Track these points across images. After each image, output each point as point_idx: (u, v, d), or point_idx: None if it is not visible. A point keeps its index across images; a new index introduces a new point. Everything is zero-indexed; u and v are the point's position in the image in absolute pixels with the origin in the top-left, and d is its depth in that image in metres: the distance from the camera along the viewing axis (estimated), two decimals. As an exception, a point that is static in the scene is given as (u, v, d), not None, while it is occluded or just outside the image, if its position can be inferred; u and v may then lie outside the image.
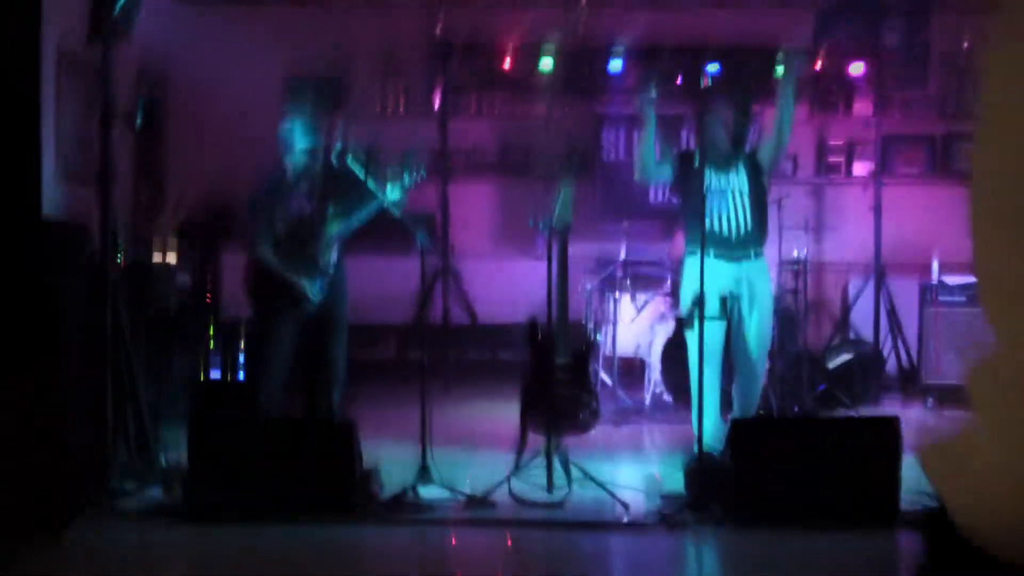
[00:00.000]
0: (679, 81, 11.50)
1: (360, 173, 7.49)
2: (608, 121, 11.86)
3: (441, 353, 10.86)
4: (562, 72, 11.62)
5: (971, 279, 10.10)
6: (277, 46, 11.31)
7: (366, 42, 11.86)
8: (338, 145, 7.61)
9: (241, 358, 9.48)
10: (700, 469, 6.62)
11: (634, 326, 10.07)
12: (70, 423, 6.50)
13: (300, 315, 7.57)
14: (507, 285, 11.48)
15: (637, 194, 11.71)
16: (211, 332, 9.47)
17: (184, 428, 7.48)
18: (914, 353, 10.71)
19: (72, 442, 6.54)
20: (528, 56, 11.72)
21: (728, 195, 7.92)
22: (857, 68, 11.36)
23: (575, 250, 10.89)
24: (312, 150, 7.55)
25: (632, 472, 7.72)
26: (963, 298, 10.07)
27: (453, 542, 6.39)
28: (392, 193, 7.52)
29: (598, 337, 10.13)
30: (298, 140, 7.53)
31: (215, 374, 9.66)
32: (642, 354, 10.02)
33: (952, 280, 10.21)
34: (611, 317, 10.05)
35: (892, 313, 11.03)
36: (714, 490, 6.53)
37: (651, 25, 11.70)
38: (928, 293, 10.21)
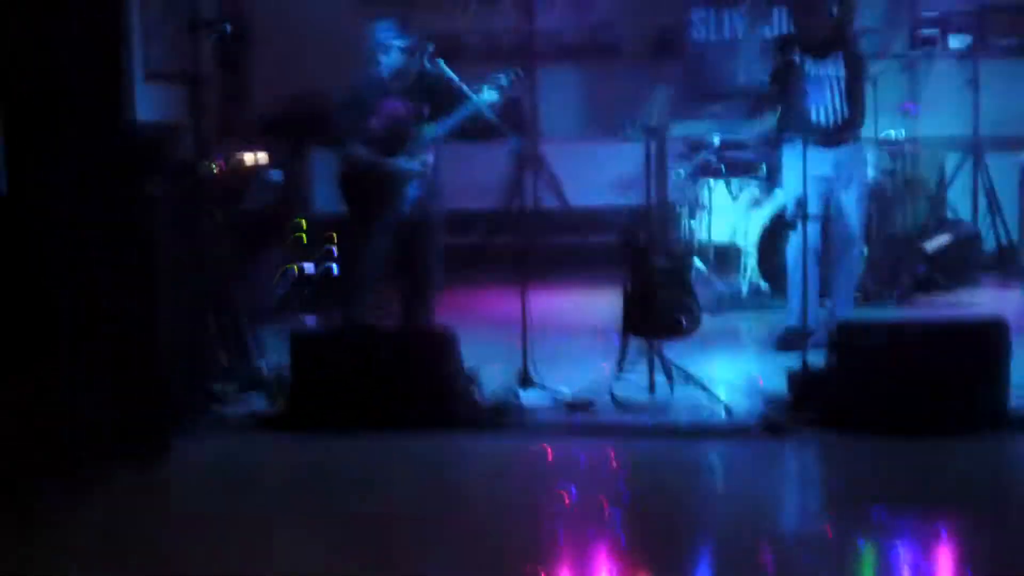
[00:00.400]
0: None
1: (453, 75, 7.39)
2: (696, 2, 11.57)
3: (532, 240, 10.77)
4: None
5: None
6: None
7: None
8: (430, 46, 7.44)
9: (335, 253, 9.45)
10: (803, 375, 6.54)
11: (729, 212, 9.93)
12: (168, 331, 6.50)
13: (395, 216, 7.52)
14: (595, 168, 11.37)
15: (725, 74, 11.49)
16: (304, 228, 9.44)
17: (280, 330, 7.56)
18: (1014, 234, 10.52)
19: (171, 349, 6.56)
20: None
21: (825, 83, 8.00)
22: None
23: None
24: (407, 49, 7.43)
25: (732, 368, 7.68)
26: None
27: (555, 451, 6.36)
28: (488, 95, 7.42)
29: (692, 223, 10.02)
30: (393, 38, 7.42)
31: (309, 268, 9.66)
32: (737, 240, 9.88)
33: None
34: (705, 203, 9.90)
35: (991, 192, 10.80)
36: (817, 394, 6.45)
37: None
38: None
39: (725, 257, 10.07)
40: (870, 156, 9.39)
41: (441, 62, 7.42)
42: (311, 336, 6.96)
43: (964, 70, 11.15)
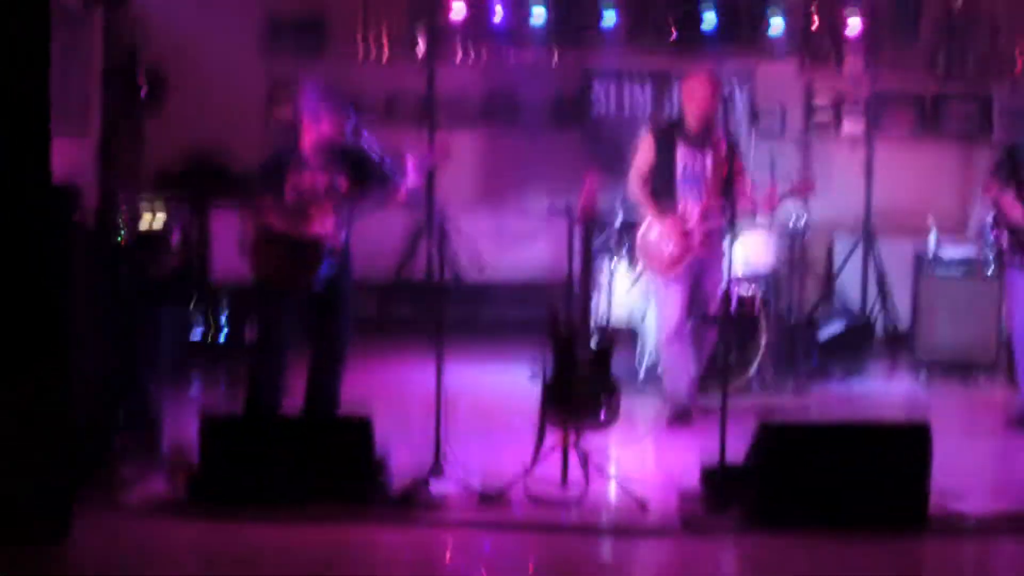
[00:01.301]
0: (673, 35, 11.30)
1: (375, 151, 7.28)
2: (599, 75, 11.57)
3: (426, 311, 10.68)
4: (553, 23, 11.32)
5: (968, 250, 10.04)
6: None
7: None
8: (353, 120, 7.32)
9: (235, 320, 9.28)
10: (720, 472, 6.51)
11: (627, 294, 9.90)
12: (78, 404, 6.29)
13: (305, 289, 7.36)
14: (495, 239, 11.33)
15: (627, 150, 11.48)
16: (201, 295, 9.24)
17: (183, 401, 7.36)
18: (903, 321, 10.67)
19: (79, 425, 6.35)
20: (519, 5, 11.42)
21: (700, 173, 8.34)
22: (854, 25, 11.12)
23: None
24: (334, 122, 7.30)
25: (645, 458, 7.66)
26: (960, 271, 9.99)
27: (464, 546, 6.24)
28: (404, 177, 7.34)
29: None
30: (321, 111, 7.28)
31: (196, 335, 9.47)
32: (634, 324, 9.84)
33: (949, 252, 10.12)
34: (605, 283, 9.86)
35: (881, 278, 10.95)
36: (736, 492, 6.43)
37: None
38: (924, 264, 10.11)
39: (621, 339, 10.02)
40: (770, 242, 9.51)
41: (365, 135, 7.30)
42: (220, 420, 6.75)
43: (856, 154, 11.32)
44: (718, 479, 6.52)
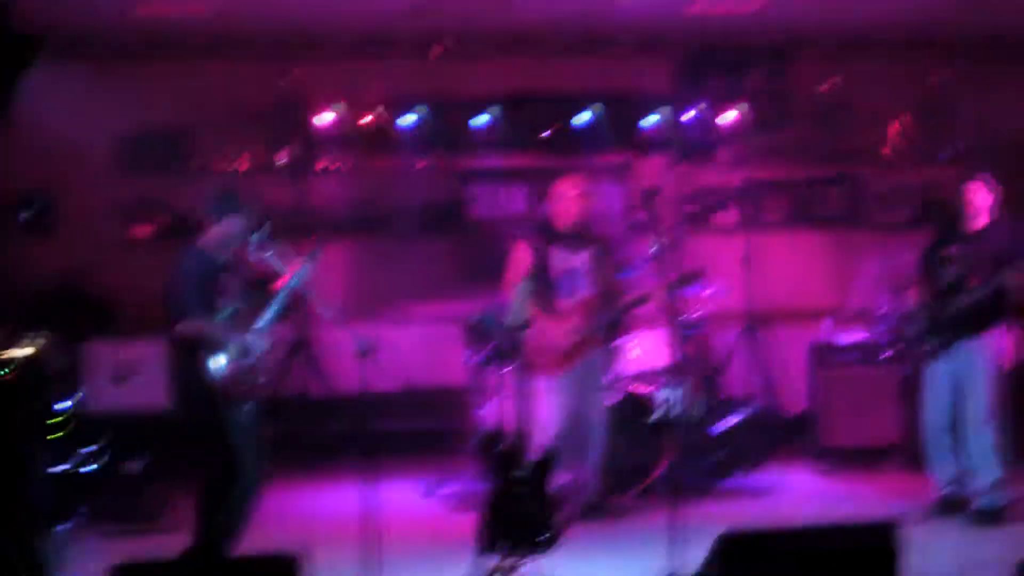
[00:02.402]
0: (548, 132, 11.14)
1: (276, 263, 6.93)
2: (473, 177, 11.33)
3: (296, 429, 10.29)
4: (426, 127, 11.05)
5: (863, 336, 9.96)
6: (120, 103, 10.60)
7: (213, 97, 11.07)
8: (255, 235, 6.96)
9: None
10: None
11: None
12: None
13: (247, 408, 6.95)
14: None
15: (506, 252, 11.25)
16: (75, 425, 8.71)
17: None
18: (795, 410, 10.56)
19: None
20: (388, 110, 11.12)
21: (570, 272, 8.42)
22: (729, 116, 11.07)
23: (445, 312, 10.56)
24: (251, 241, 6.93)
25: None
26: (857, 357, 9.91)
27: None
28: (303, 274, 7.01)
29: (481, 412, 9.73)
30: (242, 232, 6.91)
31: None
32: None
33: (844, 339, 10.05)
34: (501, 391, 9.55)
35: (765, 369, 10.83)
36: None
37: (517, 75, 11.28)
38: (820, 352, 10.00)
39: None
40: (666, 338, 9.32)
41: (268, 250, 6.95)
42: (136, 568, 6.22)
43: (733, 246, 11.22)
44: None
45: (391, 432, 10.63)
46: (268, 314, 6.97)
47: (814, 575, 5.99)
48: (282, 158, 11.24)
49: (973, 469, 8.25)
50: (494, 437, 6.87)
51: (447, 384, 11.05)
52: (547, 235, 8.45)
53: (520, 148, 11.31)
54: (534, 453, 6.90)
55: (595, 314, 8.29)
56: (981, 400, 8.17)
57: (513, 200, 11.35)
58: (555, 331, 8.15)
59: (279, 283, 7.03)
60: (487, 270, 11.16)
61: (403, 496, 9.51)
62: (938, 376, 8.35)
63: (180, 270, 6.90)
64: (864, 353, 9.96)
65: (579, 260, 8.36)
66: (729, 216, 11.70)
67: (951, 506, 8.34)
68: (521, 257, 8.38)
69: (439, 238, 11.22)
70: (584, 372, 8.33)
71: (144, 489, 8.74)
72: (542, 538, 6.68)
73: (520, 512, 6.64)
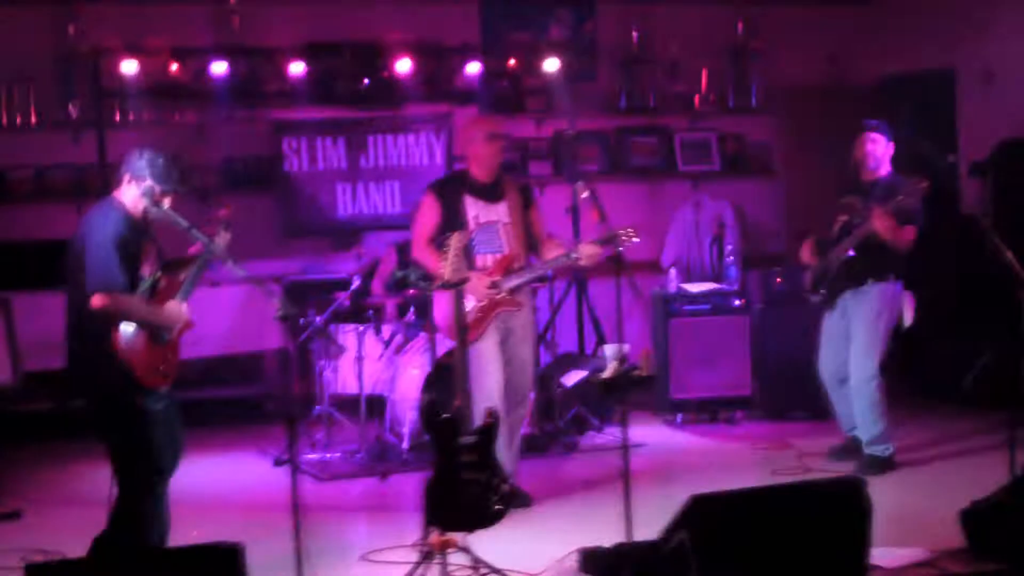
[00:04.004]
0: (365, 82, 10.62)
1: (182, 223, 6.17)
2: (287, 131, 10.70)
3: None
4: (234, 78, 10.34)
5: (710, 285, 9.91)
6: None
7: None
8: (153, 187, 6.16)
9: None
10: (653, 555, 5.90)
11: (377, 362, 9.19)
12: None
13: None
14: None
15: (325, 207, 10.73)
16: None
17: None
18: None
19: None
20: (192, 60, 10.36)
21: (489, 225, 7.66)
22: (552, 65, 10.78)
23: (261, 271, 9.96)
24: (165, 195, 6.15)
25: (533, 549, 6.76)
26: (707, 306, 9.83)
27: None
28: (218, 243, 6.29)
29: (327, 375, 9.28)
30: (160, 181, 6.11)
31: None
32: (381, 391, 9.12)
33: (693, 288, 9.96)
34: (350, 353, 9.11)
35: (596, 322, 10.65)
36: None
37: (324, 23, 10.72)
38: (666, 302, 9.87)
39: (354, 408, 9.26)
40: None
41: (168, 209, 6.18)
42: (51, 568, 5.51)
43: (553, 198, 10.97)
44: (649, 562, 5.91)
45: (206, 400, 10.05)
46: (186, 285, 6.24)
47: (788, 535, 5.82)
48: (73, 112, 10.34)
49: (858, 421, 8.26)
50: (434, 405, 6.37)
51: (265, 348, 10.53)
52: (458, 186, 7.67)
53: (332, 99, 10.73)
54: (475, 420, 6.41)
55: (521, 270, 7.59)
56: (859, 354, 8.14)
57: (329, 153, 10.76)
58: (474, 289, 7.28)
59: (192, 249, 6.31)
60: (305, 227, 10.74)
61: (252, 468, 8.96)
62: (830, 327, 8.32)
63: (99, 231, 6.05)
64: (715, 302, 9.86)
65: (499, 211, 7.67)
66: (540, 167, 11.43)
67: (850, 451, 8.34)
68: (429, 210, 7.60)
69: (253, 194, 10.48)
70: (512, 332, 7.62)
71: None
72: (495, 508, 6.27)
73: (468, 483, 6.20)
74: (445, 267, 6.38)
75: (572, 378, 9.69)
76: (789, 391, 9.68)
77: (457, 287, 6.44)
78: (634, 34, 11.61)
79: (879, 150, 8.16)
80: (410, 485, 8.08)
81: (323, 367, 9.36)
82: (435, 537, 6.16)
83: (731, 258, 10.72)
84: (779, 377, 9.76)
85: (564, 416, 9.44)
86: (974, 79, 11.00)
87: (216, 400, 10.27)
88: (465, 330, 6.60)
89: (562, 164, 11.34)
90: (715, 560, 5.73)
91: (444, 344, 8.29)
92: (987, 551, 6.25)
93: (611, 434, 9.39)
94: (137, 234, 6.00)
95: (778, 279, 9.91)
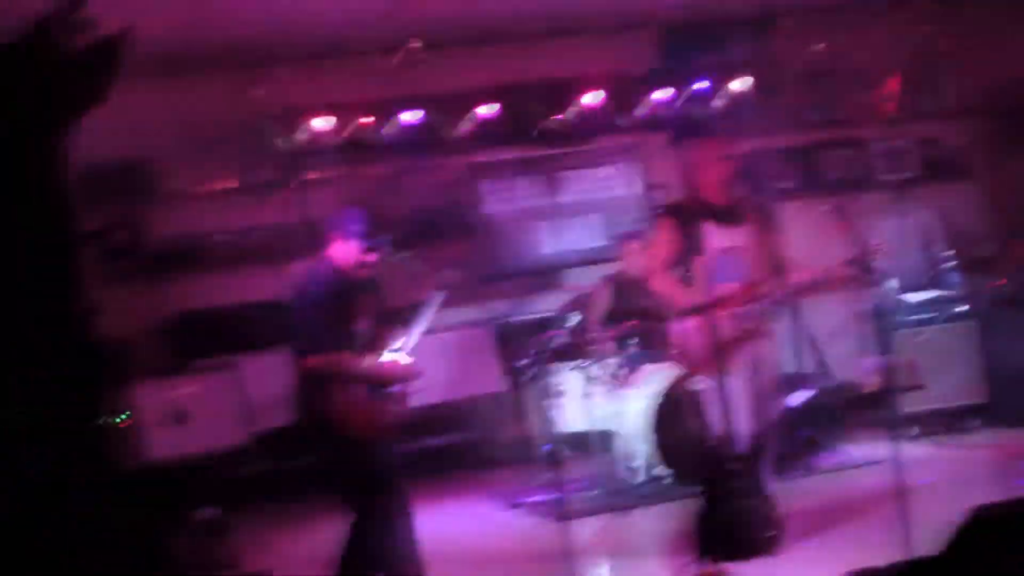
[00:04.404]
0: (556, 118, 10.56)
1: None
2: (481, 173, 10.65)
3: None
4: (425, 125, 10.32)
5: (931, 293, 9.62)
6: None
7: (177, 118, 10.14)
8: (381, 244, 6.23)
9: None
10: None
11: (584, 400, 9.04)
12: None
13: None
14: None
15: (526, 246, 10.65)
16: None
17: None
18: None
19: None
20: (379, 113, 10.36)
21: (729, 251, 7.17)
22: (742, 83, 10.61)
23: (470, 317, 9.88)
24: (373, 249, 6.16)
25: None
26: (931, 314, 9.52)
27: None
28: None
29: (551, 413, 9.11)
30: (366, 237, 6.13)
31: None
32: (609, 426, 8.95)
33: (913, 297, 9.67)
34: (574, 391, 8.99)
35: (812, 341, 10.40)
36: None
37: (508, 63, 10.66)
38: (889, 315, 9.56)
39: (587, 445, 9.13)
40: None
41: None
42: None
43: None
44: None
45: (427, 449, 9.98)
46: (413, 332, 6.21)
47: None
48: (265, 173, 10.38)
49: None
50: (700, 438, 6.20)
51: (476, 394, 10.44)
52: (695, 209, 7.13)
53: (524, 139, 10.64)
54: (740, 449, 6.21)
55: (762, 298, 7.03)
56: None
57: (522, 193, 10.68)
58: (712, 320, 6.75)
59: (418, 294, 6.26)
60: (508, 268, 10.63)
61: (486, 513, 8.84)
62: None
63: (305, 293, 6.08)
64: (937, 310, 9.55)
65: (738, 236, 7.10)
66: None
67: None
68: (667, 237, 7.14)
69: (451, 240, 10.42)
70: (761, 361, 7.10)
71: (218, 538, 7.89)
72: (769, 535, 6.06)
73: (739, 511, 6.00)
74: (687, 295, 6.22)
75: (798, 398, 9.42)
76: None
77: (707, 312, 6.26)
78: (820, 46, 11.33)
79: None
80: (650, 519, 7.90)
81: (548, 406, 9.21)
82: (709, 568, 5.98)
83: (948, 264, 10.36)
84: (1015, 382, 9.33)
85: (794, 437, 9.16)
86: None
87: (437, 448, 10.16)
88: (722, 358, 6.38)
89: (758, 184, 11.10)
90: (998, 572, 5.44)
91: (667, 375, 8.15)
92: None
93: (844, 453, 9.11)
94: (348, 290, 5.97)
95: (1003, 280, 9.55)
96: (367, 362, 5.99)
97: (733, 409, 6.69)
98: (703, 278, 6.91)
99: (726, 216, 7.14)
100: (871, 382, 8.48)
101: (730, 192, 7.27)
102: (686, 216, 7.13)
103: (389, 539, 6.06)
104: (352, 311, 6.02)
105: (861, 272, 6.79)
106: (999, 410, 9.43)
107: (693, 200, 7.26)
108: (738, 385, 6.94)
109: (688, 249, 7.01)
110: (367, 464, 6.00)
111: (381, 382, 6.08)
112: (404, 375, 6.18)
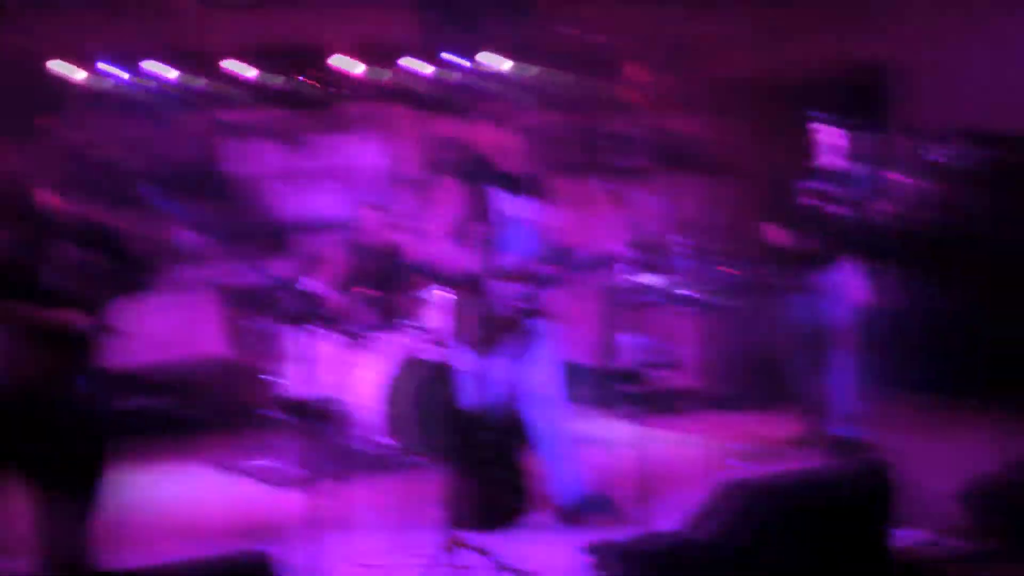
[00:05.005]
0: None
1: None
2: (230, 130, 10.51)
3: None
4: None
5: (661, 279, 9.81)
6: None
7: None
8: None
9: None
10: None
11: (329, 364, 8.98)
12: None
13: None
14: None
15: (267, 209, 10.55)
16: None
17: None
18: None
19: None
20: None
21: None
22: (499, 60, 10.68)
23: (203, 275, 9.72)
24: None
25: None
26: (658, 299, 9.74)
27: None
28: None
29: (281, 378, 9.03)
30: None
31: None
32: (336, 394, 8.91)
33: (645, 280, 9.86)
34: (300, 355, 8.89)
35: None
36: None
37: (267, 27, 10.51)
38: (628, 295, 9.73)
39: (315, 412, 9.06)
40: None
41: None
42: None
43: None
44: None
45: (144, 410, 9.71)
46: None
47: (819, 518, 5.77)
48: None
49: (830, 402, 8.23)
50: (452, 400, 6.23)
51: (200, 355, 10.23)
52: (479, 174, 6.74)
53: (265, 102, 10.53)
54: (492, 422, 6.24)
55: (545, 276, 6.75)
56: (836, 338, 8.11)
57: (267, 156, 10.59)
58: (499, 294, 6.57)
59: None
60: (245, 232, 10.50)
61: (202, 478, 8.70)
62: (796, 311, 8.29)
63: None
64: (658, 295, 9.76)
65: (526, 207, 6.77)
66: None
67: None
68: (451, 198, 6.87)
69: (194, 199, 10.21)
70: (526, 346, 6.82)
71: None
72: (518, 506, 6.12)
73: (493, 481, 6.04)
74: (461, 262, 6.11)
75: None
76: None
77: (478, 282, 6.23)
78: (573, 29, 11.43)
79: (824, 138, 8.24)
80: (369, 489, 7.92)
81: (270, 372, 9.12)
82: (454, 537, 6.01)
83: (679, 251, 10.61)
84: (739, 367, 9.63)
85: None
86: None
87: (155, 409, 9.87)
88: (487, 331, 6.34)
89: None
90: (746, 544, 5.61)
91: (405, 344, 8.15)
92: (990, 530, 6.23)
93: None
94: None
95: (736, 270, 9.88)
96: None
97: (489, 383, 6.60)
98: (484, 247, 6.59)
99: (512, 185, 6.82)
100: (628, 361, 8.62)
101: (516, 163, 7.11)
102: (471, 178, 6.79)
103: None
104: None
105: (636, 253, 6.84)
106: (717, 393, 9.73)
107: (479, 164, 6.90)
108: (498, 360, 6.74)
109: (472, 215, 6.73)
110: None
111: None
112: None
